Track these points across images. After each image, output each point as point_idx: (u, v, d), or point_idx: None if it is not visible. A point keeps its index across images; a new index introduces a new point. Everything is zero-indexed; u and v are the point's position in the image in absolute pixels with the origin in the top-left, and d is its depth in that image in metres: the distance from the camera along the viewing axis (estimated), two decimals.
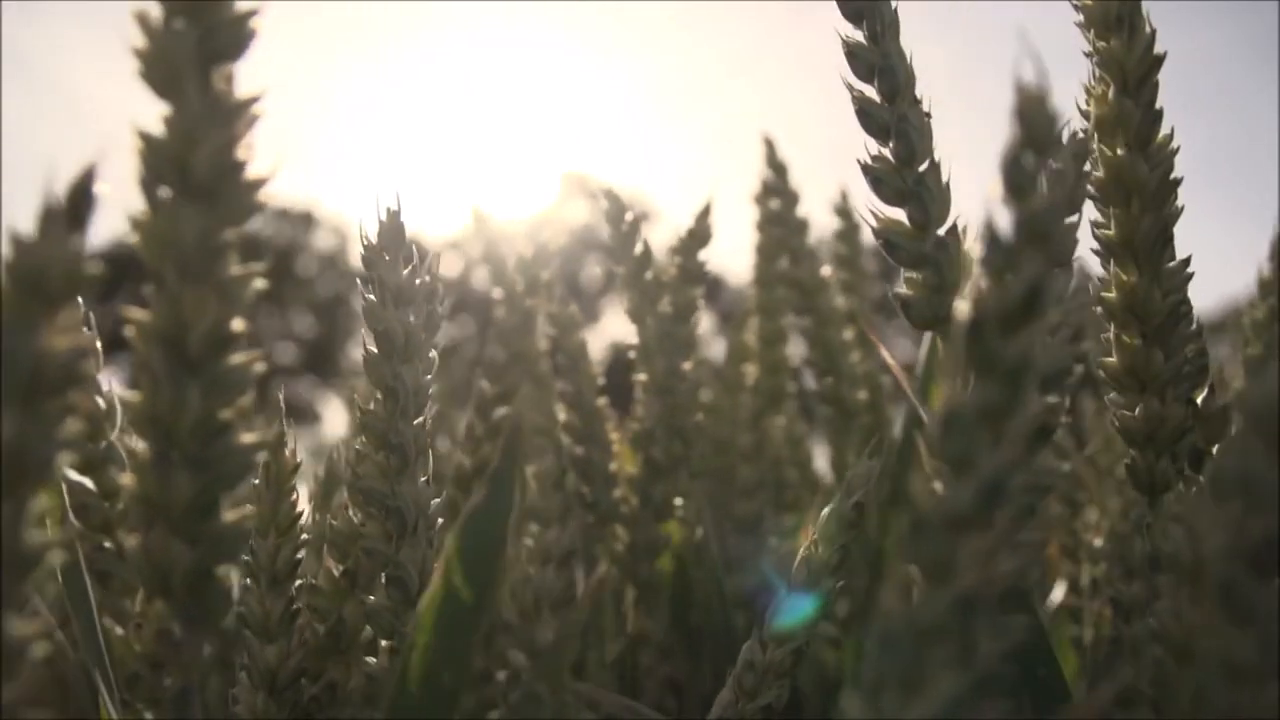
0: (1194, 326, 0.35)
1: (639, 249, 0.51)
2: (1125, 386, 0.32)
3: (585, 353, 0.51)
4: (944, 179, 0.30)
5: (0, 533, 0.19)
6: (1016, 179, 0.16)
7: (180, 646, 0.24)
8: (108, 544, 0.30)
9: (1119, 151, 0.30)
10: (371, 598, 0.31)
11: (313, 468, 0.54)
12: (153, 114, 0.22)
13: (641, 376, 0.51)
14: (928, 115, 0.30)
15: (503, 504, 0.30)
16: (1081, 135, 0.27)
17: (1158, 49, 0.30)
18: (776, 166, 0.66)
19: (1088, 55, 0.30)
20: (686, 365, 0.51)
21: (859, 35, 0.30)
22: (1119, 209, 0.30)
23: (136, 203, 0.22)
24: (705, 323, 0.67)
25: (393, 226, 0.31)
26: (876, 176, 0.30)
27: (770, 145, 0.66)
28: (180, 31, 0.22)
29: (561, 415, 0.51)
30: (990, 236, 0.16)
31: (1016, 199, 0.16)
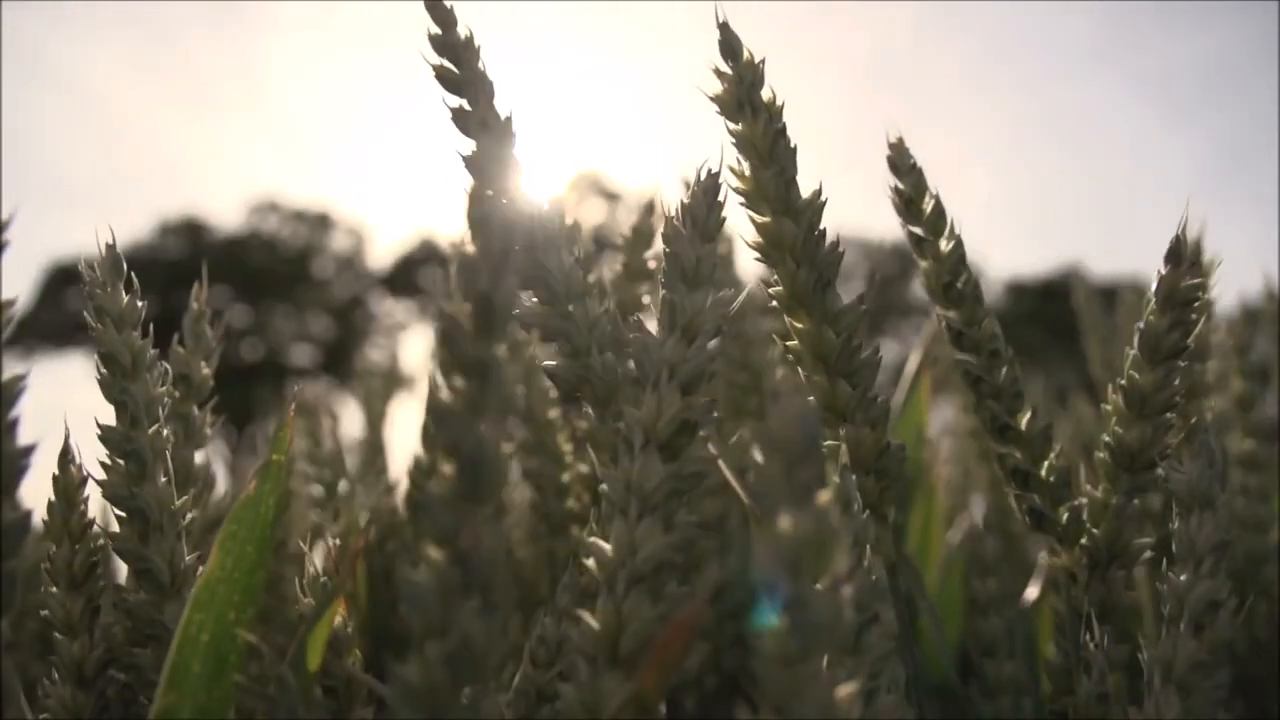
0: (1001, 349, 0.37)
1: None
2: (825, 419, 0.34)
3: (537, 370, 0.51)
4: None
5: None
6: (477, 216, 0.18)
7: None
8: None
9: (767, 218, 0.32)
10: (134, 595, 0.33)
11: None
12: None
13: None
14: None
15: (270, 492, 0.31)
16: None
17: (785, 122, 0.32)
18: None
19: (731, 137, 0.32)
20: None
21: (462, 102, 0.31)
22: (779, 267, 0.33)
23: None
24: None
25: (111, 259, 0.33)
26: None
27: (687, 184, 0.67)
28: None
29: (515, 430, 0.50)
30: (459, 267, 0.18)
31: (476, 232, 0.18)
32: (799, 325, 0.33)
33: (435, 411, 0.19)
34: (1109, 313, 0.82)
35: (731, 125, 0.32)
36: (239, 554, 0.30)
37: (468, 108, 0.29)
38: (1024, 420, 0.36)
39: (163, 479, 0.33)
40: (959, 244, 0.36)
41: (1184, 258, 0.33)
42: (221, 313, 0.40)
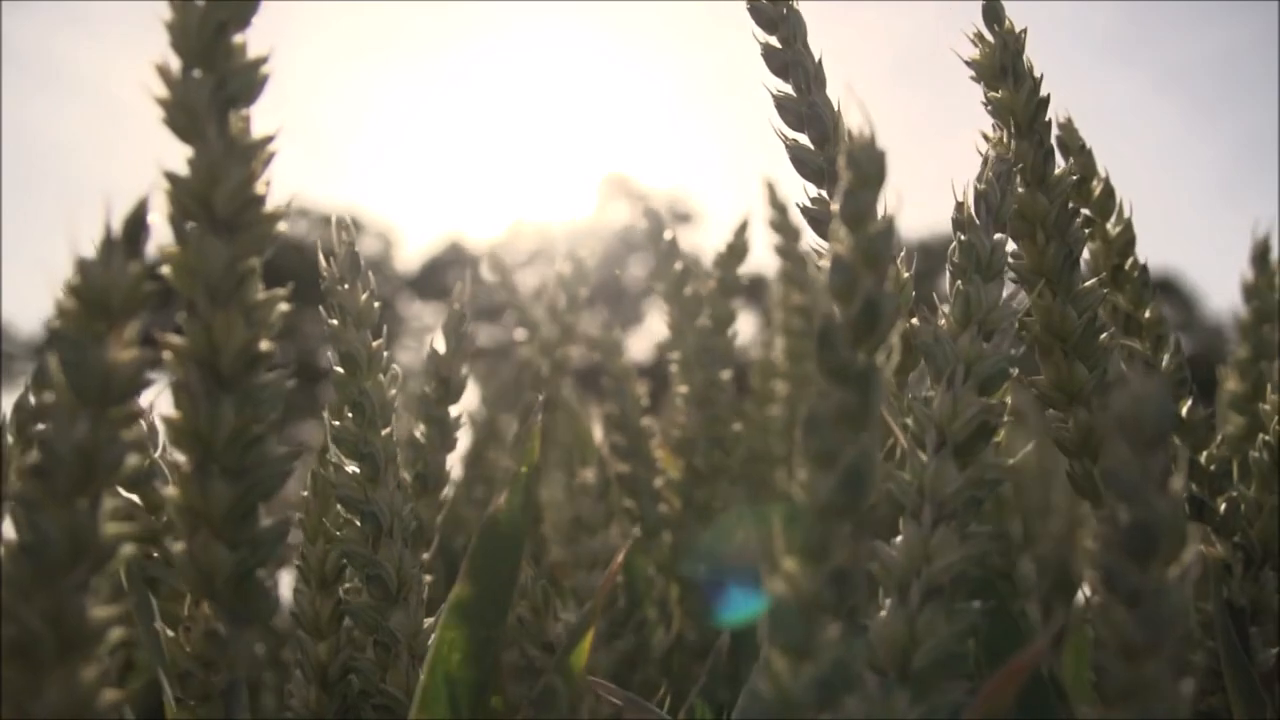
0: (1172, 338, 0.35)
1: (678, 267, 0.51)
2: (1056, 400, 0.33)
3: (631, 375, 0.51)
4: None
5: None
6: (851, 213, 0.17)
7: (227, 643, 0.24)
8: (155, 554, 0.30)
9: (1020, 189, 0.31)
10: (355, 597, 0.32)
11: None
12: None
13: (682, 389, 0.51)
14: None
15: (522, 506, 0.30)
16: (1009, 157, 0.28)
17: (1044, 92, 0.31)
18: (777, 205, 0.67)
19: (983, 104, 0.30)
20: (725, 375, 0.50)
21: (788, 88, 0.30)
22: (1027, 240, 0.31)
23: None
24: (748, 324, 0.67)
25: (349, 257, 0.32)
26: (814, 217, 0.30)
27: (771, 187, 0.67)
28: (197, 80, 0.22)
29: (608, 435, 0.51)
30: (833, 262, 0.17)
31: (852, 230, 0.17)
32: (1040, 301, 0.32)
33: (810, 419, 0.17)
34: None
35: (991, 93, 0.30)
36: (491, 569, 0.29)
37: (778, 45, 0.28)
38: (1185, 407, 0.35)
39: (394, 483, 0.31)
40: (1128, 227, 0.34)
41: None
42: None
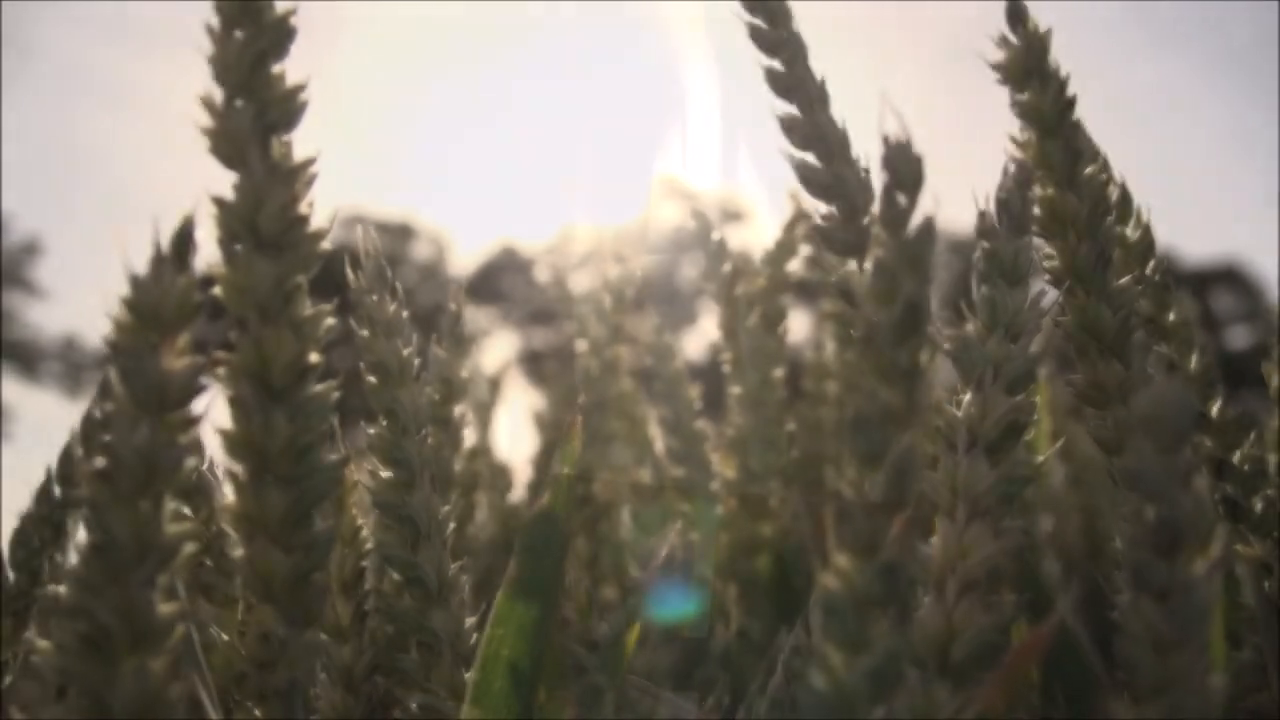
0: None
1: (727, 267, 0.51)
2: (1094, 400, 0.33)
3: (683, 379, 0.52)
4: None
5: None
6: (890, 216, 0.17)
7: (284, 645, 0.25)
8: (207, 561, 0.31)
9: (1050, 190, 0.31)
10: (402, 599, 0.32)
11: None
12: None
13: (735, 389, 0.51)
14: (865, 172, 0.31)
15: (562, 504, 0.30)
16: (1028, 162, 0.29)
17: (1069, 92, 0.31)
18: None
19: (1011, 107, 0.31)
20: (777, 374, 0.51)
21: (792, 108, 0.31)
22: (1059, 240, 0.31)
23: None
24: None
25: (376, 268, 0.32)
26: (825, 234, 0.31)
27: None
28: (240, 109, 0.23)
29: (660, 439, 0.51)
30: (874, 265, 0.18)
31: (891, 232, 0.17)
32: (1074, 301, 0.32)
33: (857, 419, 0.18)
34: (1202, 299, 0.82)
35: (1017, 96, 0.31)
36: (535, 567, 0.30)
37: (780, 68, 0.29)
38: (1215, 408, 0.35)
39: (429, 487, 0.32)
40: (1147, 231, 0.35)
41: None
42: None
